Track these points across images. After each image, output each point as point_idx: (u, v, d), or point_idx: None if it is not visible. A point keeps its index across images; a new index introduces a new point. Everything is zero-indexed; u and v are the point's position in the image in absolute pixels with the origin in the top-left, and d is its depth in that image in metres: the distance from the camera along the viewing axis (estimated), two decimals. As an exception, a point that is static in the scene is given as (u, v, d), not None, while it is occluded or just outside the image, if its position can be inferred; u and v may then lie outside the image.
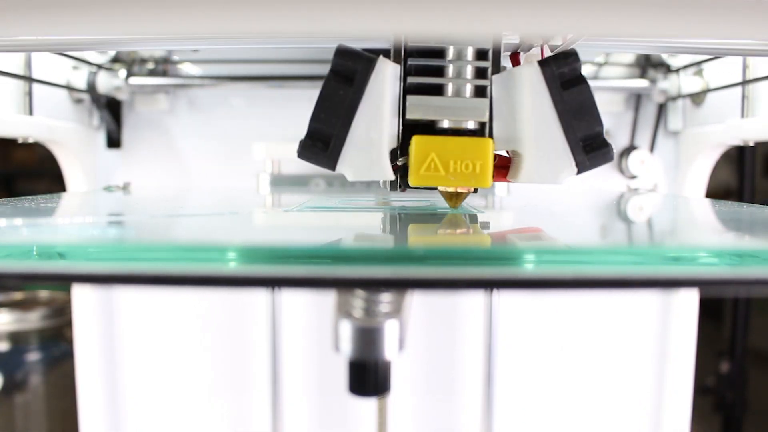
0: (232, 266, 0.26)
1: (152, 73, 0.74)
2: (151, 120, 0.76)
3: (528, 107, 0.34)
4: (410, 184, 0.35)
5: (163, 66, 0.74)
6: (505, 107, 0.35)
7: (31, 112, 0.63)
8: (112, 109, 0.75)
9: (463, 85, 0.35)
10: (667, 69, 0.73)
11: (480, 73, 0.35)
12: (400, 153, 0.36)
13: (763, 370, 1.51)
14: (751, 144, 0.62)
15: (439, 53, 0.35)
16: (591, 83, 0.79)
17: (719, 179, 1.37)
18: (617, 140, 0.77)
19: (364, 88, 0.33)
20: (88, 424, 0.74)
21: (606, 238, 0.37)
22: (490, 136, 0.35)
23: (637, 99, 0.76)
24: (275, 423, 0.72)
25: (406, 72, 0.35)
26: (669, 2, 0.29)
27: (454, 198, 0.39)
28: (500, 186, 0.65)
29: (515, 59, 0.39)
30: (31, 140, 0.62)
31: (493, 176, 0.36)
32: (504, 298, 0.72)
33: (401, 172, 0.36)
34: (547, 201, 0.61)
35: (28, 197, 0.49)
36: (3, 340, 0.95)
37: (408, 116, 0.35)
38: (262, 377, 0.74)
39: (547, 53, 0.36)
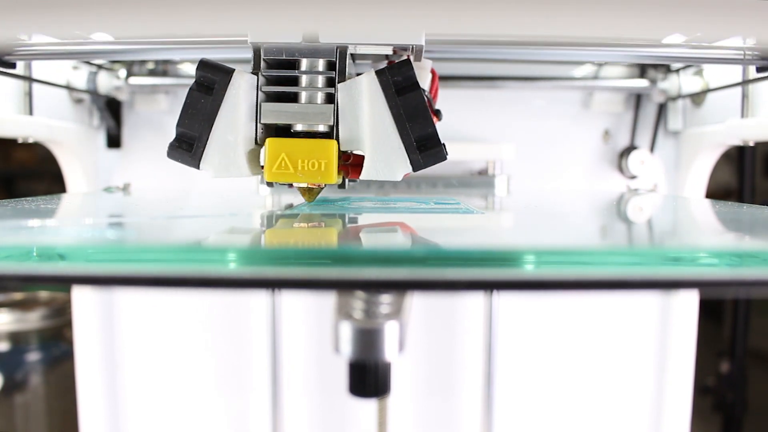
0: (232, 268, 0.26)
1: (152, 73, 0.73)
2: (151, 120, 0.76)
3: (367, 112, 0.38)
4: (266, 180, 0.38)
5: (163, 66, 0.74)
6: (349, 112, 0.38)
7: (31, 112, 0.63)
8: (112, 109, 0.75)
9: (312, 93, 0.39)
10: (667, 69, 0.73)
11: (329, 82, 0.39)
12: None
13: (763, 370, 1.51)
14: (751, 144, 0.62)
15: (293, 65, 0.38)
16: (592, 83, 0.79)
17: (719, 179, 1.37)
18: (617, 140, 0.77)
19: (223, 97, 0.37)
20: (88, 424, 0.74)
21: (606, 238, 0.37)
22: (337, 138, 0.39)
23: (637, 99, 0.76)
24: (275, 424, 0.72)
25: (265, 81, 0.38)
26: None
27: (308, 193, 0.42)
28: (501, 187, 0.67)
29: None
30: (31, 140, 0.62)
31: (350, 173, 0.40)
32: (504, 299, 0.72)
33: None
34: (546, 201, 0.61)
35: (28, 198, 0.49)
36: (3, 340, 0.95)
37: (262, 121, 0.38)
38: (263, 378, 0.74)
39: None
